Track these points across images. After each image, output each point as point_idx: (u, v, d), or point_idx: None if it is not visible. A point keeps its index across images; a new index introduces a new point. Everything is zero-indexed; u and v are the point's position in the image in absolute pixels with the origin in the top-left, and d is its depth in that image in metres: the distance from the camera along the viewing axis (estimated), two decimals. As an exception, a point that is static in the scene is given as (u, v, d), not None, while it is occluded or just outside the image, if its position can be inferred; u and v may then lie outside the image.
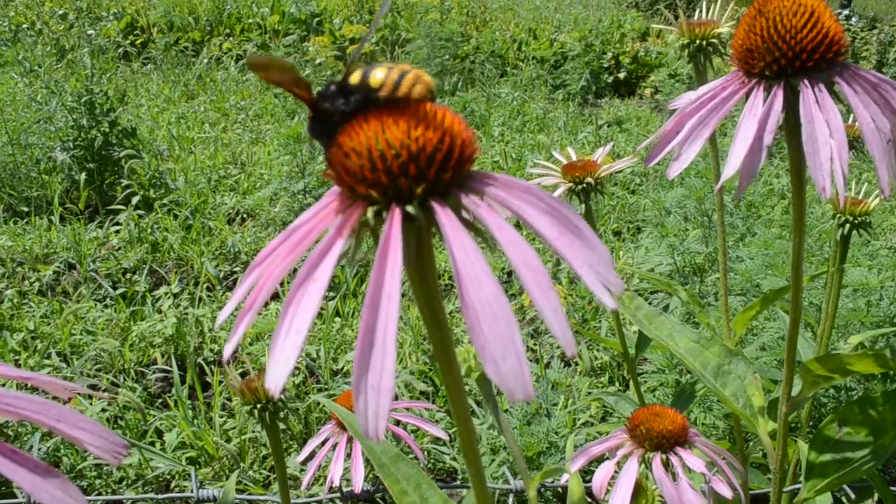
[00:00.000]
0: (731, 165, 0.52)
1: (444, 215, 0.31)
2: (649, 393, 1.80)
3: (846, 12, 7.74)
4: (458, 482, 1.74)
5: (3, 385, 1.63)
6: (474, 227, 0.33)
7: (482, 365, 0.29)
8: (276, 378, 0.30)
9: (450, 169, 0.32)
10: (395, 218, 0.31)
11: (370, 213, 0.32)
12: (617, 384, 2.17)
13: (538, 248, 2.53)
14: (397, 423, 0.96)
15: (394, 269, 0.30)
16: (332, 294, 2.46)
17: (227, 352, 0.34)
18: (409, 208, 0.32)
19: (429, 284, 0.35)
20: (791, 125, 0.55)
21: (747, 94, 0.56)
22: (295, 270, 0.33)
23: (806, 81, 0.54)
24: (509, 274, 2.67)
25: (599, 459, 0.76)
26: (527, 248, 0.30)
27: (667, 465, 0.70)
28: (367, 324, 0.30)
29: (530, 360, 2.21)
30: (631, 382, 1.10)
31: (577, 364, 2.19)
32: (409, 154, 0.31)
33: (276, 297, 2.38)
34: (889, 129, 0.53)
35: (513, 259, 0.30)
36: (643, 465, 0.70)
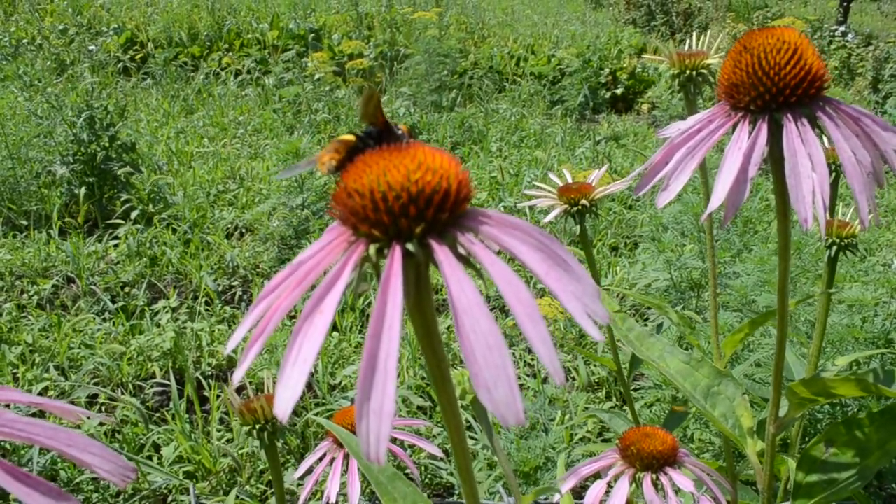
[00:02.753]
0: (718, 196, 0.54)
1: (442, 253, 0.33)
2: (646, 408, 1.81)
3: (842, 29, 7.78)
4: (455, 497, 1.76)
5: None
6: (468, 262, 0.35)
7: (476, 391, 0.31)
8: (284, 404, 0.32)
9: (447, 209, 0.34)
10: (395, 255, 0.33)
11: (372, 249, 0.34)
12: (614, 399, 2.18)
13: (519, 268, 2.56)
14: (394, 440, 0.97)
15: (395, 302, 0.32)
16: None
17: (237, 378, 0.36)
18: (409, 246, 0.34)
19: (426, 316, 0.37)
20: (775, 158, 0.57)
21: (733, 127, 0.59)
22: (302, 300, 0.35)
23: (789, 116, 0.57)
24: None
25: (592, 478, 0.78)
26: (519, 283, 0.32)
27: (657, 484, 0.72)
28: (370, 352, 0.32)
29: (528, 375, 2.23)
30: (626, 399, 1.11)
31: (574, 379, 2.21)
32: (410, 196, 0.34)
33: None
34: (869, 162, 0.56)
35: (505, 293, 0.32)
36: (634, 485, 0.72)
